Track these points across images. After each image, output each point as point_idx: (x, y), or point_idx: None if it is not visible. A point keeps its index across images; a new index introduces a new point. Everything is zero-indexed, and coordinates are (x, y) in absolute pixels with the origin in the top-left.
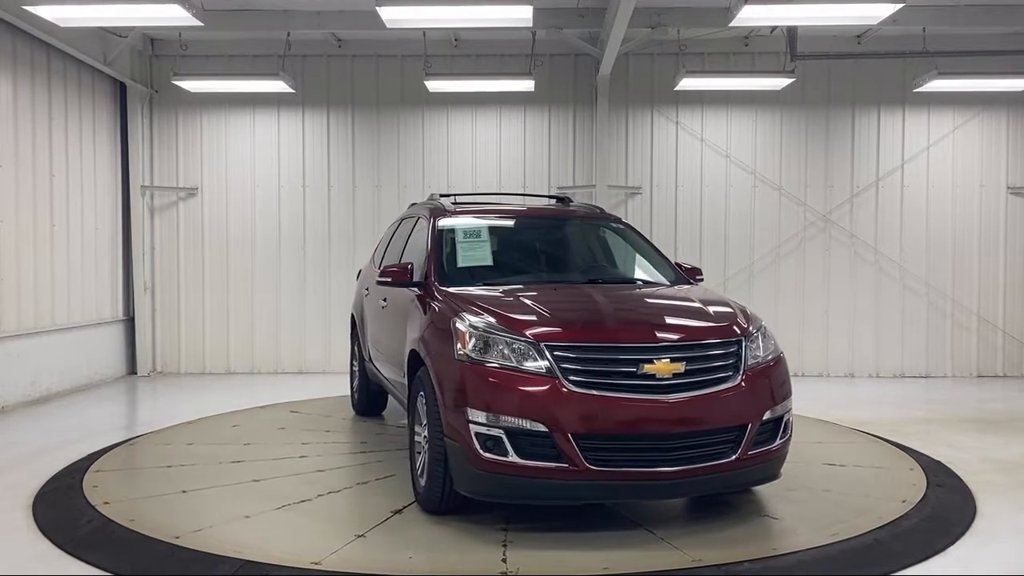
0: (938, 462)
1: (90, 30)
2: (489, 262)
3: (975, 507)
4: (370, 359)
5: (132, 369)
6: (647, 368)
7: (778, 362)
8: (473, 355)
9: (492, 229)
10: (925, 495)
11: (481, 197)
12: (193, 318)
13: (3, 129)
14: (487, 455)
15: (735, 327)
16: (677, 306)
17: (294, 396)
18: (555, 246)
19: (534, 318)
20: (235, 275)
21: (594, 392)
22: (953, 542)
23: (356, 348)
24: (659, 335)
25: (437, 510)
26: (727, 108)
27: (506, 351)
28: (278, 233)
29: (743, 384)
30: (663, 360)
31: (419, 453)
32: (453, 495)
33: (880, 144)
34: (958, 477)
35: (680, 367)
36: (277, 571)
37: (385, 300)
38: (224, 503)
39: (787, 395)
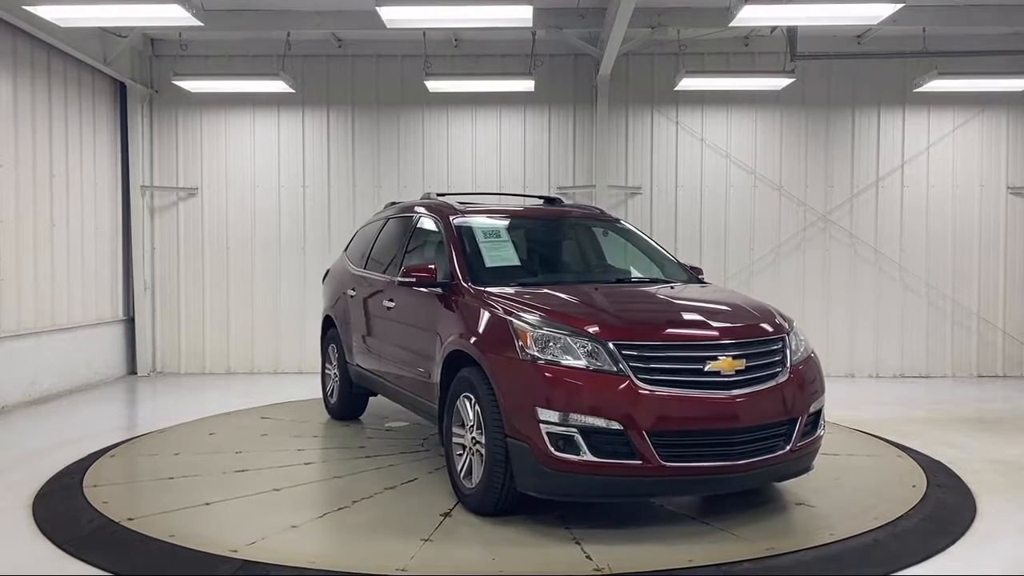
0: (938, 462)
1: (90, 30)
2: (516, 262)
3: (975, 507)
4: (357, 362)
5: (132, 369)
6: (712, 365)
7: (812, 358)
8: (540, 355)
9: (509, 229)
10: (925, 495)
11: (471, 197)
12: (193, 318)
13: (3, 129)
14: (559, 454)
15: (779, 324)
16: (723, 305)
17: (292, 396)
18: (569, 246)
19: (597, 318)
20: (235, 275)
21: (665, 390)
22: (953, 542)
23: (333, 351)
24: (722, 333)
25: (490, 511)
26: (727, 108)
27: (574, 351)
28: (278, 233)
29: (791, 379)
30: (726, 357)
31: (459, 455)
32: (510, 495)
33: (880, 144)
34: (958, 477)
35: (741, 364)
36: (277, 571)
37: (392, 301)
38: (253, 511)
39: (823, 389)
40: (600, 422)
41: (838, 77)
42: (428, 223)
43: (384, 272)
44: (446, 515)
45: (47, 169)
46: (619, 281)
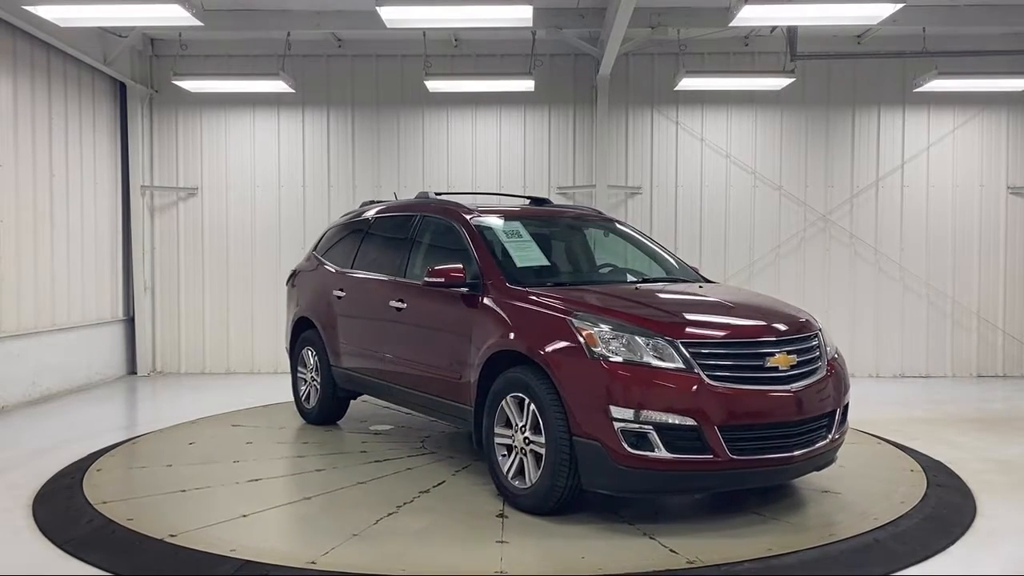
0: (938, 462)
1: (90, 30)
2: (544, 261)
3: (975, 507)
4: (346, 364)
5: (132, 369)
6: (771, 361)
7: (838, 354)
8: (609, 355)
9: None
10: (925, 495)
11: (457, 197)
12: (193, 318)
13: (3, 129)
14: (633, 451)
15: (814, 322)
16: (761, 303)
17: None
18: (584, 246)
19: (661, 317)
20: (235, 275)
21: (732, 385)
22: (953, 542)
23: (310, 354)
24: (775, 330)
25: (548, 510)
26: (727, 108)
27: (644, 349)
28: (278, 233)
29: (829, 373)
30: (783, 353)
31: (503, 456)
32: (572, 494)
33: (880, 144)
34: (958, 477)
35: (794, 359)
36: (277, 571)
37: (403, 302)
38: (299, 523)
39: (850, 384)
40: (675, 419)
41: (838, 77)
42: (437, 223)
43: (387, 273)
44: (501, 516)
45: (47, 169)
46: (644, 281)
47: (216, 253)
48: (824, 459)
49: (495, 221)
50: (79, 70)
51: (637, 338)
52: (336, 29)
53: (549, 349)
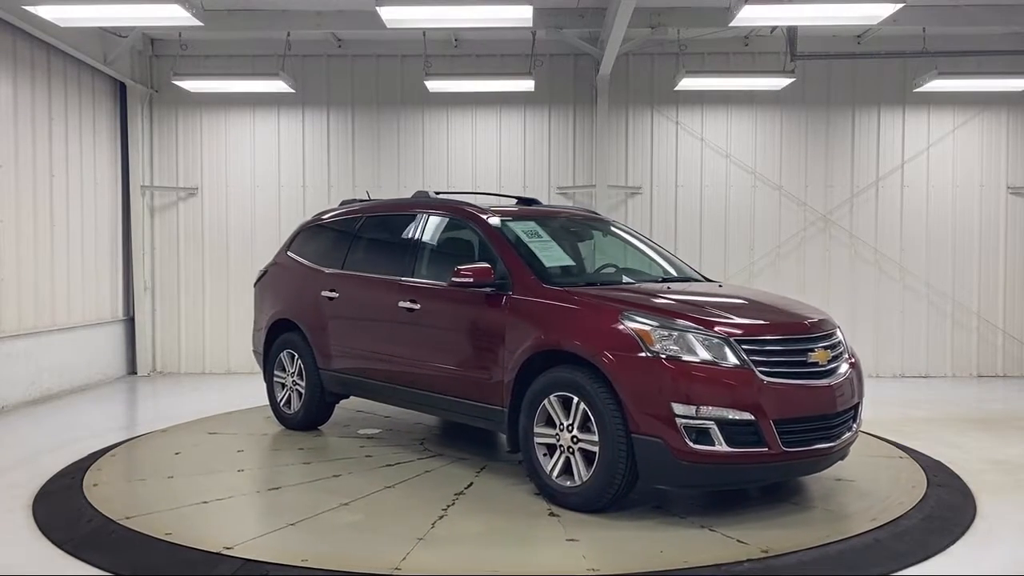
0: (938, 462)
1: (90, 30)
2: (569, 261)
3: (975, 507)
4: (339, 367)
5: (132, 369)
6: (812, 356)
7: (853, 349)
8: (668, 353)
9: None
10: (925, 495)
11: (453, 196)
12: (193, 318)
13: (3, 129)
14: (696, 447)
15: (832, 319)
16: (785, 302)
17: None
18: (595, 246)
19: (712, 315)
20: (235, 275)
21: (782, 381)
22: (953, 542)
23: (290, 358)
24: (813, 327)
25: (600, 508)
26: (727, 108)
27: (700, 347)
28: (278, 233)
29: (851, 367)
30: (820, 348)
31: (545, 455)
32: (624, 491)
33: (880, 144)
34: (958, 477)
35: (829, 355)
36: (277, 571)
37: (415, 303)
38: (351, 529)
39: (864, 378)
40: (734, 414)
41: (838, 77)
42: (446, 223)
43: (391, 273)
44: (552, 515)
45: (47, 169)
46: (665, 280)
47: (216, 253)
48: (846, 450)
49: (512, 221)
50: (79, 70)
51: (692, 336)
52: (336, 29)
53: (603, 348)
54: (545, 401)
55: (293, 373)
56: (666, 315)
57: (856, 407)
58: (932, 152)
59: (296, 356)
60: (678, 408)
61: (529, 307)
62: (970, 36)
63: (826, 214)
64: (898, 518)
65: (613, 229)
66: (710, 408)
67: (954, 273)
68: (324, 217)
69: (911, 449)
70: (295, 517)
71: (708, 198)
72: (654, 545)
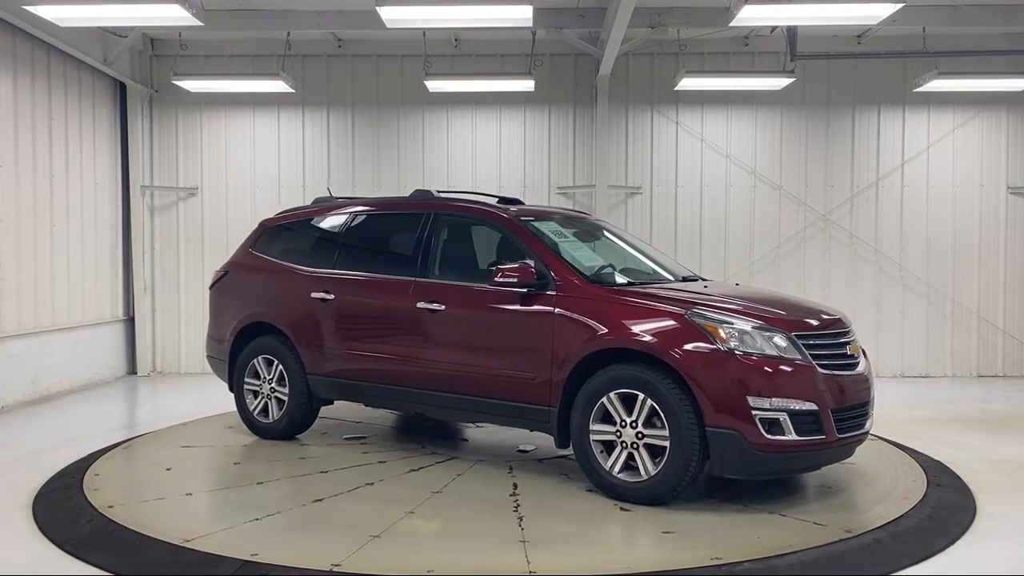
0: (938, 462)
1: (90, 30)
2: (602, 260)
3: (975, 507)
4: (333, 369)
5: (132, 369)
6: (849, 349)
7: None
8: (740, 348)
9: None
10: (925, 495)
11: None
12: (193, 318)
13: (3, 129)
14: (770, 437)
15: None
16: (803, 299)
17: None
18: (603, 246)
19: (770, 312)
20: None
21: (832, 372)
22: (953, 542)
23: (268, 364)
24: (845, 321)
25: (668, 500)
26: (727, 108)
27: (767, 343)
28: None
29: (866, 360)
30: (853, 342)
31: (602, 452)
32: (692, 483)
33: (880, 144)
34: (958, 477)
35: (858, 347)
36: (277, 571)
37: (438, 303)
38: (417, 541)
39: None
40: (801, 405)
41: (838, 77)
42: (464, 222)
43: (399, 274)
44: (623, 509)
45: (47, 169)
46: (685, 279)
47: (216, 253)
48: (864, 437)
49: (536, 222)
50: (79, 70)
51: (755, 332)
52: (336, 29)
53: (675, 346)
54: (604, 399)
55: (271, 380)
56: (731, 312)
57: (872, 398)
58: (932, 152)
59: (275, 362)
60: (753, 401)
61: (582, 306)
62: (970, 36)
63: (826, 214)
64: (898, 518)
65: (610, 230)
66: (780, 400)
67: (954, 273)
68: (294, 215)
69: (911, 449)
70: (381, 527)
71: (708, 198)
72: (745, 534)
